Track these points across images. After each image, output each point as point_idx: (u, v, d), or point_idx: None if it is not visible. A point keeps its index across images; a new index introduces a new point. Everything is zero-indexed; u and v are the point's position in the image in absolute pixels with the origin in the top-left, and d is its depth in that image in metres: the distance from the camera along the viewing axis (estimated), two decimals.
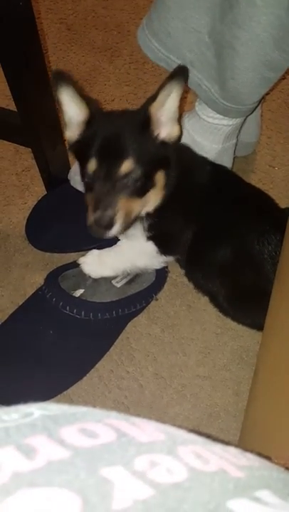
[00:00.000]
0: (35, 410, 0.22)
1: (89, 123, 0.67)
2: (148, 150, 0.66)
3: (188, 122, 0.86)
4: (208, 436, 0.25)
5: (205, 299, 0.86)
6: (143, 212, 0.70)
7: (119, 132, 0.65)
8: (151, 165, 0.66)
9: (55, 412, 0.22)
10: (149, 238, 0.74)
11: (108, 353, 0.81)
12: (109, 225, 0.64)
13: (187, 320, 0.85)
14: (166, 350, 0.83)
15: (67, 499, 0.17)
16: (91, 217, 0.64)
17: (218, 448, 0.24)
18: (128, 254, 0.78)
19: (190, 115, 0.86)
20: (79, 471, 0.19)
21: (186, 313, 0.86)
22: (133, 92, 1.09)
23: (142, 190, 0.66)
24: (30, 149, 0.91)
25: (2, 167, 0.98)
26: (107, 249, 0.78)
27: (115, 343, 0.82)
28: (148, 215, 0.72)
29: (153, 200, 0.70)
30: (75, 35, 1.18)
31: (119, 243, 0.79)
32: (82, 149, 0.67)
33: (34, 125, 0.75)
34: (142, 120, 0.67)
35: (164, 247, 0.76)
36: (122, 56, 1.14)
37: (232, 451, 0.24)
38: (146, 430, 0.23)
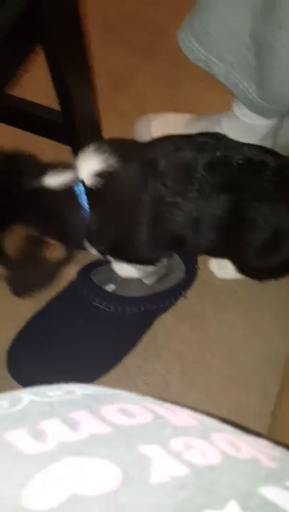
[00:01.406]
0: (77, 389, 0.23)
1: None
2: None
3: (225, 123, 0.87)
4: (241, 428, 0.25)
5: (234, 300, 0.86)
6: None
7: None
8: None
9: (95, 392, 0.24)
10: None
11: (136, 349, 0.82)
12: None
13: (215, 320, 0.85)
14: (193, 349, 0.83)
15: (109, 470, 0.18)
16: None
17: (250, 438, 0.24)
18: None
19: (227, 115, 0.86)
20: (119, 445, 0.20)
21: (215, 313, 0.86)
22: (170, 93, 1.10)
23: None
24: (67, 147, 0.94)
25: None
26: None
27: (143, 340, 0.83)
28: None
29: None
30: (115, 36, 1.20)
31: None
32: None
33: (75, 124, 0.77)
34: None
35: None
36: (161, 57, 1.15)
37: (263, 443, 0.24)
38: (180, 415, 0.24)
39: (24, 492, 0.17)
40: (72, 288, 0.81)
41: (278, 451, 0.24)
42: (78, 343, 0.77)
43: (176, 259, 0.84)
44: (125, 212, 0.63)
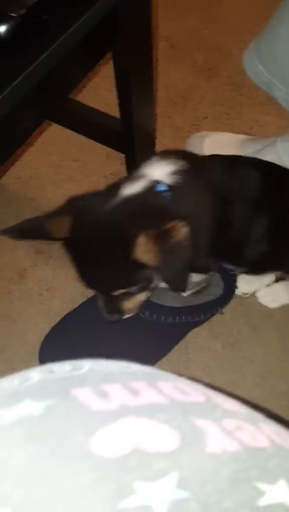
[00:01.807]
0: (134, 366, 0.25)
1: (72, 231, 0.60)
2: (135, 270, 0.58)
3: (281, 146, 0.87)
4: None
5: (270, 323, 0.86)
6: None
7: (100, 265, 0.60)
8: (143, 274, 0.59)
9: (150, 370, 0.25)
10: None
11: (166, 358, 0.82)
12: (120, 318, 0.67)
13: (250, 340, 0.85)
14: (223, 367, 0.83)
15: (169, 432, 0.19)
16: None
17: None
18: None
19: (284, 139, 0.87)
20: (176, 415, 0.21)
21: (250, 333, 0.86)
22: (226, 112, 1.12)
23: (145, 287, 0.63)
24: (120, 155, 0.97)
25: (93, 169, 1.04)
26: None
27: (174, 350, 0.83)
28: None
29: None
30: (177, 53, 1.23)
31: None
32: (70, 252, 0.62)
33: (132, 132, 0.80)
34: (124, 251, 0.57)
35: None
36: (220, 77, 1.18)
37: None
38: (230, 402, 0.24)
39: (92, 440, 0.18)
40: None
41: None
42: (109, 345, 0.78)
43: (216, 275, 0.85)
44: (197, 211, 0.64)
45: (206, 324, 0.86)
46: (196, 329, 0.85)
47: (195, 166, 0.65)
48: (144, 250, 0.54)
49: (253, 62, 0.77)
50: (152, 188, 0.60)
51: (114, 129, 0.84)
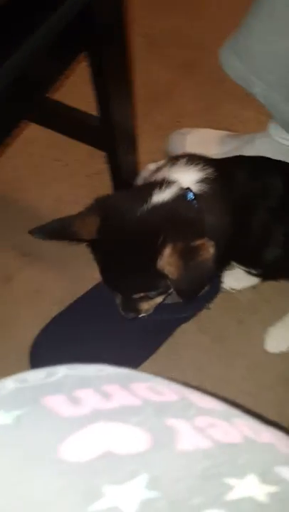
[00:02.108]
0: (108, 368, 0.25)
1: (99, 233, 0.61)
2: (157, 277, 0.59)
3: (259, 142, 0.88)
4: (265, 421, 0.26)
5: (257, 317, 0.87)
6: None
7: (125, 268, 0.61)
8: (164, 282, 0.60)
9: (125, 372, 0.25)
10: None
11: (155, 355, 0.83)
12: (136, 317, 0.69)
13: (237, 335, 0.86)
14: (212, 361, 0.84)
15: (140, 434, 0.20)
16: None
17: (270, 428, 0.25)
18: None
19: (262, 135, 0.87)
20: (148, 416, 0.21)
21: (237, 328, 0.86)
22: (206, 108, 1.12)
23: (164, 292, 0.65)
24: (102, 154, 0.96)
25: (76, 168, 1.04)
26: None
27: (163, 347, 0.84)
28: None
29: None
30: (156, 50, 1.23)
31: None
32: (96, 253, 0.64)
33: (112, 130, 0.80)
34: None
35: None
36: (201, 73, 1.18)
37: (282, 435, 0.25)
38: (205, 399, 0.25)
39: (61, 447, 0.19)
40: (95, 291, 0.82)
41: None
42: (99, 345, 0.78)
43: None
44: (219, 221, 0.65)
45: (194, 320, 0.86)
46: (185, 325, 0.85)
47: (221, 173, 0.66)
48: (168, 262, 0.55)
49: (229, 59, 0.77)
50: (183, 196, 0.60)
51: (94, 128, 0.84)
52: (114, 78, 0.74)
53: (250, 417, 0.26)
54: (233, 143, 0.97)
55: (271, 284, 0.89)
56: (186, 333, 0.85)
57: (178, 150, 1.02)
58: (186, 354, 0.84)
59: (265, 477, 0.20)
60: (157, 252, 0.56)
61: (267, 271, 0.80)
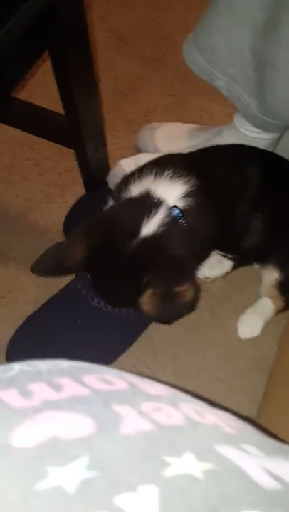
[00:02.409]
0: (63, 363, 0.26)
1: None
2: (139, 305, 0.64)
3: (227, 134, 0.90)
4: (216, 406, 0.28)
5: (229, 306, 0.89)
6: None
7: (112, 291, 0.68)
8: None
9: (79, 366, 0.26)
10: None
11: (132, 348, 0.84)
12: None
13: (210, 324, 0.88)
14: (187, 351, 0.85)
15: (85, 421, 0.21)
16: None
17: (218, 411, 0.27)
18: None
19: (229, 127, 0.89)
20: (95, 404, 0.22)
21: (209, 318, 0.88)
22: (175, 103, 1.13)
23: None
24: (73, 151, 0.97)
25: (46, 167, 1.04)
26: None
27: (139, 340, 0.85)
28: None
29: None
30: (124, 45, 1.23)
31: None
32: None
33: (79, 128, 0.80)
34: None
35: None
36: (168, 67, 1.19)
37: (230, 416, 0.27)
38: (155, 387, 0.26)
39: (12, 435, 0.20)
40: (70, 287, 0.83)
41: (241, 424, 0.27)
42: (75, 341, 0.79)
43: None
44: (205, 225, 0.70)
45: None
46: None
47: (202, 178, 0.69)
48: (147, 302, 0.61)
49: (192, 53, 0.79)
50: (170, 221, 0.64)
51: (61, 126, 0.84)
52: (78, 76, 0.74)
53: (199, 400, 0.28)
54: (201, 136, 0.98)
55: (241, 274, 0.91)
56: (161, 326, 0.87)
57: (148, 145, 1.03)
58: (161, 346, 0.86)
59: (203, 455, 0.21)
60: (140, 291, 0.61)
61: (243, 255, 0.84)
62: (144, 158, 0.88)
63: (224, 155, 0.79)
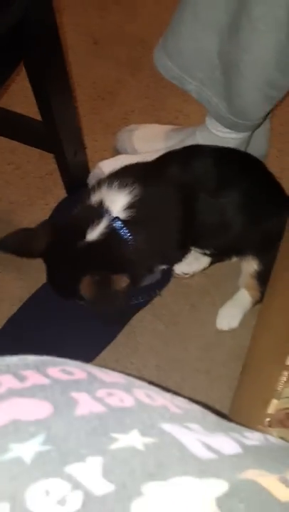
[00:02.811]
0: (30, 357, 0.30)
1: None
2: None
3: (199, 135, 0.93)
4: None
5: (207, 300, 0.92)
6: None
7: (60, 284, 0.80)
8: None
9: (45, 359, 0.30)
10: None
11: (114, 344, 0.88)
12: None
13: (190, 318, 0.91)
14: (168, 345, 0.89)
15: (43, 405, 0.24)
16: None
17: (168, 395, 0.30)
18: None
19: (201, 128, 0.92)
20: (54, 391, 0.26)
21: (189, 312, 0.92)
22: (152, 104, 1.16)
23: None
24: (53, 155, 1.00)
25: (28, 170, 1.07)
26: None
27: (122, 335, 0.88)
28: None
29: None
30: (100, 49, 1.26)
31: None
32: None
33: (56, 133, 0.83)
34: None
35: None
36: (144, 70, 1.22)
37: (180, 399, 0.30)
38: (112, 376, 0.30)
39: None
40: (46, 287, 0.86)
41: (190, 405, 0.30)
42: (57, 337, 0.82)
43: None
44: (161, 225, 0.79)
45: (149, 307, 0.91)
46: (140, 313, 0.90)
47: (150, 183, 0.77)
48: (84, 287, 0.72)
49: (162, 59, 0.82)
50: (112, 231, 0.74)
51: (39, 132, 0.87)
52: (53, 85, 0.77)
53: (153, 386, 0.31)
54: (177, 137, 1.01)
55: (219, 269, 0.95)
56: (142, 321, 0.91)
57: (126, 147, 1.06)
58: (143, 340, 0.89)
59: (147, 432, 0.24)
60: (80, 281, 0.73)
61: (221, 251, 0.88)
62: (123, 160, 0.92)
63: (176, 159, 0.84)
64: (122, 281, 0.72)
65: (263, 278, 0.86)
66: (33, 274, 0.94)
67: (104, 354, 0.87)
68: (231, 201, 0.81)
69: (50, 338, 0.82)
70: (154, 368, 0.87)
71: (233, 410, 0.64)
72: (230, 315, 0.89)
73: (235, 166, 0.85)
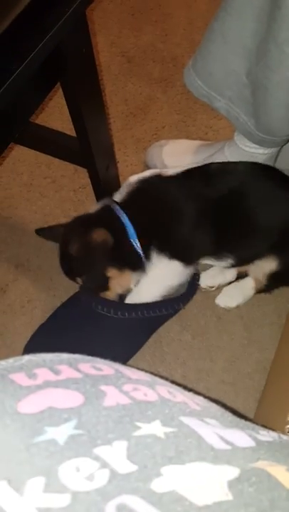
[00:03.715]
0: (64, 354, 0.32)
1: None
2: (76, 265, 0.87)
3: (228, 150, 0.95)
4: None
5: (234, 312, 0.94)
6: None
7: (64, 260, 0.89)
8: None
9: (77, 357, 0.32)
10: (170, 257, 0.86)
11: (142, 353, 0.90)
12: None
13: (216, 330, 0.93)
14: (194, 356, 0.90)
15: (75, 395, 0.27)
16: None
17: (189, 393, 0.32)
18: (160, 281, 0.88)
19: (230, 144, 0.95)
20: (85, 384, 0.29)
21: (216, 323, 0.93)
22: (182, 120, 1.20)
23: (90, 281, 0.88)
24: (86, 169, 1.04)
25: (62, 184, 1.12)
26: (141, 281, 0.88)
27: (149, 346, 0.91)
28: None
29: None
30: (134, 67, 1.31)
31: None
32: None
33: (89, 149, 0.87)
34: None
35: (186, 258, 0.86)
36: (176, 87, 1.25)
37: (200, 398, 0.32)
38: (137, 373, 0.32)
39: (19, 404, 0.26)
40: (76, 297, 0.90)
41: (209, 404, 0.32)
42: (85, 346, 0.85)
43: None
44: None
45: (176, 318, 0.93)
46: (167, 324, 0.93)
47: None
48: (72, 244, 0.83)
49: (192, 78, 0.85)
50: (108, 208, 0.85)
51: (73, 148, 0.92)
52: (87, 104, 0.81)
53: (174, 385, 0.34)
54: (206, 152, 1.04)
55: None
56: (170, 331, 0.93)
57: (156, 161, 1.09)
58: (170, 350, 0.91)
59: (168, 423, 0.27)
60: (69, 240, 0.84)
61: (237, 260, 0.90)
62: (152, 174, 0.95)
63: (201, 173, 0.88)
64: (101, 234, 0.81)
65: (279, 278, 0.87)
66: (65, 284, 0.98)
67: (131, 363, 0.89)
68: (259, 211, 0.85)
69: (78, 347, 0.85)
70: (180, 377, 0.89)
71: (256, 419, 0.65)
72: (230, 295, 0.93)
73: (261, 181, 0.87)
